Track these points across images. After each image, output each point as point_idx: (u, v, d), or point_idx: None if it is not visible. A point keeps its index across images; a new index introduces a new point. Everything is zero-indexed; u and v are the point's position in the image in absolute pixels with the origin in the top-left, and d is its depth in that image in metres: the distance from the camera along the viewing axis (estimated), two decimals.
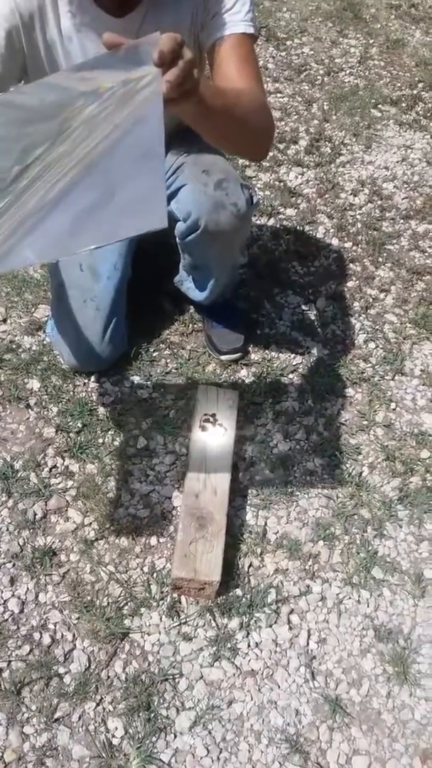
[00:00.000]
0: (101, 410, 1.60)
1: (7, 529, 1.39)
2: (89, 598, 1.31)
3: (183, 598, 1.32)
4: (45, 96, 1.02)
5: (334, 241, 2.10)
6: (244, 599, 1.32)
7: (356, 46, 3.02)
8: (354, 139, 2.51)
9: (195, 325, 1.80)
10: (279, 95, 2.69)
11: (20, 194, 0.88)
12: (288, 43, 2.99)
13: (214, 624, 1.29)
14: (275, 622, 1.31)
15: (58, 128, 0.94)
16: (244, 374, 1.71)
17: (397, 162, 2.43)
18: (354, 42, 3.05)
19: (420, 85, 2.82)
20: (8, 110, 1.04)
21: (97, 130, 0.89)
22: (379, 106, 2.69)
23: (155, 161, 0.81)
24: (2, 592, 1.31)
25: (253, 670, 1.25)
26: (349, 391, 1.70)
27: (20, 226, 0.83)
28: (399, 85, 2.82)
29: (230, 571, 1.35)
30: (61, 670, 1.22)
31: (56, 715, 1.17)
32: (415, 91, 2.78)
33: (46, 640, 1.25)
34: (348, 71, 2.86)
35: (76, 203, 0.82)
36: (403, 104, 2.70)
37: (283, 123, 2.54)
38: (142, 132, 0.85)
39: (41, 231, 0.81)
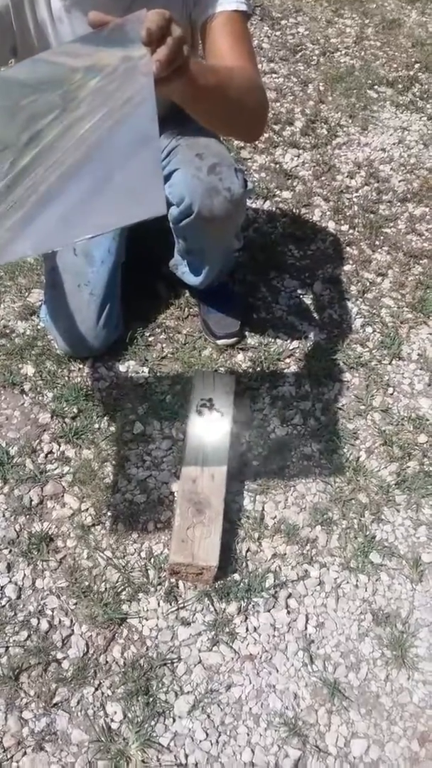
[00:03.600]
0: (97, 395, 1.59)
1: (3, 515, 1.38)
2: (87, 583, 1.30)
3: (181, 583, 1.32)
4: (40, 70, 1.01)
5: (331, 225, 2.08)
6: (242, 584, 1.32)
7: (352, 26, 2.99)
8: (350, 121, 2.48)
9: (191, 310, 1.78)
10: (274, 75, 2.66)
11: (19, 177, 0.87)
12: (283, 22, 2.95)
13: (212, 609, 1.29)
14: (273, 607, 1.31)
15: (62, 100, 0.92)
16: (241, 359, 1.70)
17: (394, 144, 2.41)
18: (350, 22, 3.02)
19: (416, 65, 2.79)
20: (4, 84, 1.02)
21: (103, 107, 0.87)
22: (375, 87, 2.66)
23: (151, 146, 0.80)
24: None
25: (251, 654, 1.25)
26: (347, 376, 1.70)
27: (15, 216, 0.81)
28: (395, 65, 2.79)
29: (228, 556, 1.35)
30: (59, 656, 1.22)
31: (55, 700, 1.17)
32: (411, 72, 2.75)
33: (44, 625, 1.25)
34: (344, 51, 2.83)
35: (73, 193, 0.81)
36: (400, 85, 2.67)
37: (278, 104, 2.51)
38: (136, 117, 0.83)
39: (37, 223, 0.80)
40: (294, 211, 2.11)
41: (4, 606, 1.27)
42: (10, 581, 1.30)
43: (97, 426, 1.53)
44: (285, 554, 1.38)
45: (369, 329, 1.81)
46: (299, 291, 1.88)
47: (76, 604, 1.28)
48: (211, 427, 1.46)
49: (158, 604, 1.29)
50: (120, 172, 0.80)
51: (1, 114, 0.98)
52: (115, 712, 1.17)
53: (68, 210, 0.80)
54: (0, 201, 0.85)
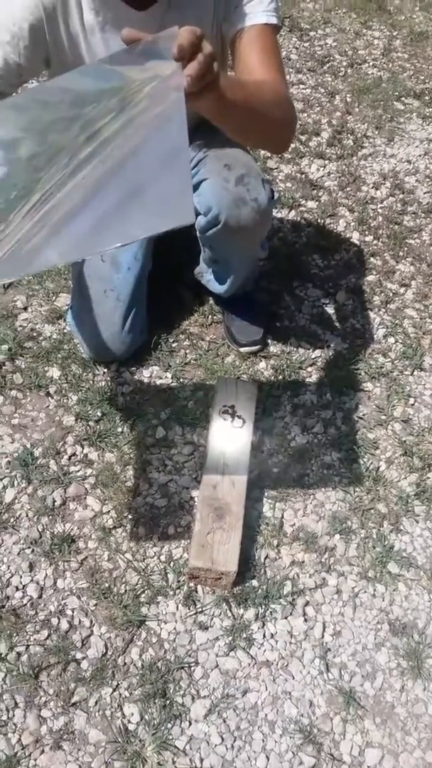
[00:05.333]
0: (120, 399, 1.61)
1: (27, 516, 1.40)
2: (107, 585, 1.32)
3: (199, 588, 1.33)
4: (94, 80, 1.02)
5: (355, 235, 2.09)
6: (260, 590, 1.33)
7: (380, 38, 3.00)
8: (376, 132, 2.49)
9: (214, 317, 1.80)
10: (302, 86, 2.68)
11: (71, 177, 0.88)
12: (311, 33, 2.97)
13: (230, 614, 1.30)
14: (291, 614, 1.32)
15: (119, 103, 0.93)
16: (263, 367, 1.71)
17: (420, 155, 2.41)
18: (378, 34, 3.03)
19: None
20: (60, 93, 1.04)
21: (144, 116, 0.89)
22: (402, 98, 2.67)
23: (181, 158, 0.82)
24: (21, 577, 1.32)
25: (268, 660, 1.26)
26: (368, 386, 1.70)
27: (46, 225, 0.83)
28: (422, 77, 2.79)
29: (247, 563, 1.36)
30: (79, 656, 1.24)
31: (73, 700, 1.19)
32: None
33: (64, 625, 1.27)
34: (371, 63, 2.84)
35: (103, 203, 0.82)
36: (427, 97, 2.67)
37: (305, 114, 2.53)
38: (167, 129, 0.85)
39: (66, 231, 0.82)
40: (319, 221, 2.12)
41: (25, 605, 1.29)
42: (32, 580, 1.32)
43: (120, 430, 1.55)
44: (303, 562, 1.39)
45: (391, 339, 1.81)
46: (322, 300, 1.89)
47: (96, 605, 1.30)
48: (232, 434, 1.47)
49: (177, 607, 1.30)
50: (151, 182, 0.82)
51: (60, 123, 0.99)
52: (132, 714, 1.18)
53: (98, 218, 0.82)
54: (48, 200, 0.87)
